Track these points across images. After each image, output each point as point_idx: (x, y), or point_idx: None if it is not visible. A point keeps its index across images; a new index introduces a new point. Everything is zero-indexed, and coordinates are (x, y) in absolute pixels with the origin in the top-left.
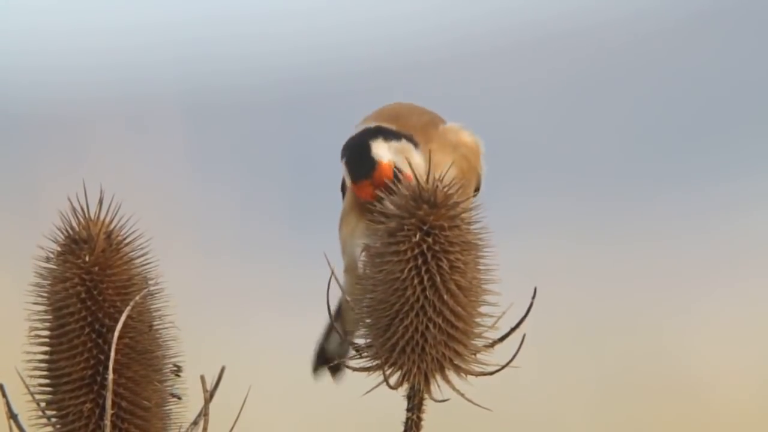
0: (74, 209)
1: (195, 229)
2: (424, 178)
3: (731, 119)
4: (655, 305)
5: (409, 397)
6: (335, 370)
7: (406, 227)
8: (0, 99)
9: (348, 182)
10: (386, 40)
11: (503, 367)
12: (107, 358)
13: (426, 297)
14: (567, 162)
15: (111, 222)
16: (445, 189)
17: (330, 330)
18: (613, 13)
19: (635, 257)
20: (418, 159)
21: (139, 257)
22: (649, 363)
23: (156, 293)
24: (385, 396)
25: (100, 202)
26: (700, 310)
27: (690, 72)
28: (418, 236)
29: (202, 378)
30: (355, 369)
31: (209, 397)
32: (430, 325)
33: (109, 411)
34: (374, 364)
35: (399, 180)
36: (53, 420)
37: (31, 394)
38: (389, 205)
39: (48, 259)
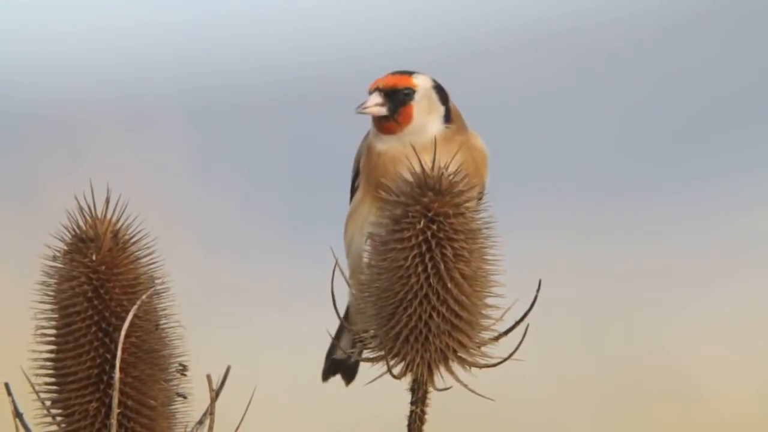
0: (81, 208)
1: (195, 229)
2: (430, 165)
3: (731, 119)
4: (655, 305)
5: (413, 390)
6: (348, 376)
7: (410, 214)
8: (0, 99)
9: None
10: (386, 40)
11: (506, 359)
12: (114, 356)
13: (430, 285)
14: (567, 162)
15: (117, 221)
16: (451, 177)
17: (341, 330)
18: (613, 13)
19: (635, 257)
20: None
21: (145, 256)
22: (649, 362)
23: (162, 292)
24: (388, 395)
25: (107, 201)
26: (700, 310)
27: (690, 72)
28: (422, 223)
29: (209, 377)
30: (359, 359)
31: (215, 396)
32: (434, 314)
33: (115, 410)
34: (377, 354)
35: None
36: (59, 419)
37: (37, 392)
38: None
39: (55, 258)
